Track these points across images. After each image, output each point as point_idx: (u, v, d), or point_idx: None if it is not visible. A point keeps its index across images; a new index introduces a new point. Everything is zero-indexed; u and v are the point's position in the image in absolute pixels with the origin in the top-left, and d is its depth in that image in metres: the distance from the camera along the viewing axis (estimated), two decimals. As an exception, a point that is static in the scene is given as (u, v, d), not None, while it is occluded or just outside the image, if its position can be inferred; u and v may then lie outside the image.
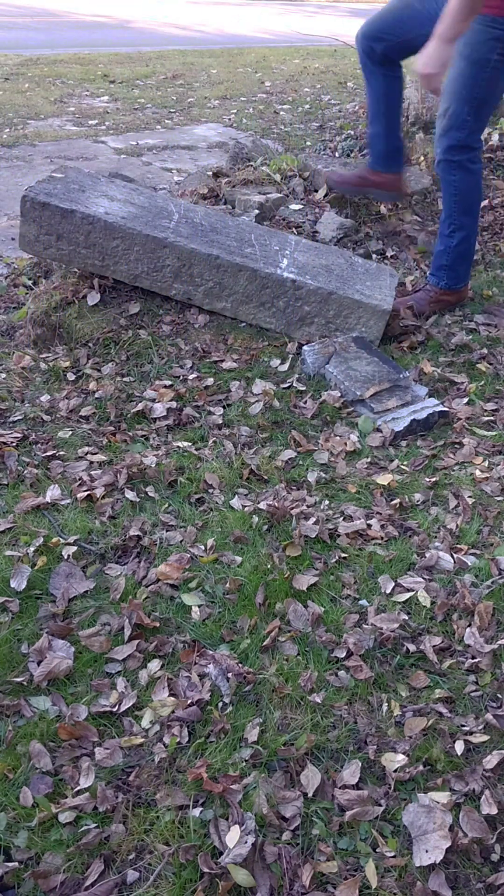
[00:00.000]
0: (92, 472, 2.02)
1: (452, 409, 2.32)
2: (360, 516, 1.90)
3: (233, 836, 1.20)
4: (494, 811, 1.25)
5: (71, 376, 2.45)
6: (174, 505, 1.93)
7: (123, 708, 1.42)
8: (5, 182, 4.46)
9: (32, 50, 8.60)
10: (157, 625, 1.58)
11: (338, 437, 2.20)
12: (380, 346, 2.61)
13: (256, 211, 3.19)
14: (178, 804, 1.26)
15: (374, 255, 3.17)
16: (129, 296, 2.65)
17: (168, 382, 2.39)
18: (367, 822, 1.25)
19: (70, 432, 2.20)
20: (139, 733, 1.38)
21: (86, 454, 2.11)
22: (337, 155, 4.14)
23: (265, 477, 2.04)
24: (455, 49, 2.31)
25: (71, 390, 2.39)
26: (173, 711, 1.41)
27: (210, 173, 3.75)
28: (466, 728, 1.39)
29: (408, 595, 1.66)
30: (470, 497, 1.95)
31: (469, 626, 1.58)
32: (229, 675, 1.46)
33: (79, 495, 1.91)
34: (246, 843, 1.18)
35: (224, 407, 2.33)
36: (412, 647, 1.54)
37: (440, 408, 2.28)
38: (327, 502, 1.96)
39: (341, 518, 1.90)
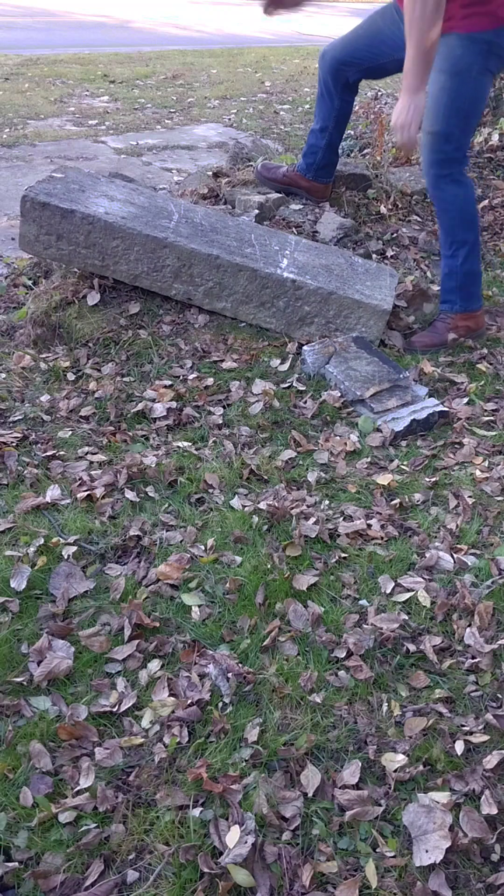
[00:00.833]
0: (92, 472, 2.02)
1: (452, 409, 2.32)
2: (360, 516, 1.90)
3: (233, 836, 1.20)
4: (494, 811, 1.25)
5: (71, 376, 2.45)
6: (174, 505, 1.93)
7: (123, 708, 1.42)
8: (5, 182, 4.46)
9: (32, 50, 8.60)
10: (157, 625, 1.58)
11: (338, 437, 2.20)
12: (379, 346, 2.61)
13: (256, 211, 3.19)
14: (178, 804, 1.26)
15: (374, 255, 3.17)
16: (129, 296, 2.65)
17: (168, 382, 2.39)
18: (367, 822, 1.25)
19: (70, 432, 2.20)
20: (139, 733, 1.38)
21: (86, 454, 2.11)
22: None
23: (265, 477, 2.04)
24: (433, 67, 2.30)
25: (71, 390, 2.39)
26: (173, 711, 1.41)
27: (210, 173, 3.75)
28: (466, 728, 1.39)
29: (408, 595, 1.66)
30: (470, 497, 1.95)
31: (469, 626, 1.58)
32: (229, 675, 1.46)
33: (79, 495, 1.91)
34: (246, 843, 1.18)
35: (224, 407, 2.33)
36: (412, 647, 1.54)
37: (440, 408, 2.28)
38: (327, 502, 1.96)
39: (341, 518, 1.90)
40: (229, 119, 6.28)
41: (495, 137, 4.04)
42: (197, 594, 1.66)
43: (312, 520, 1.85)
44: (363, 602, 1.66)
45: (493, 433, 2.24)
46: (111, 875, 1.19)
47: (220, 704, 1.43)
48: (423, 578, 1.71)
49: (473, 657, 1.52)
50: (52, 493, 1.93)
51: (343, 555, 1.77)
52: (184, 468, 2.04)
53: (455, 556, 1.77)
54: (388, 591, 1.67)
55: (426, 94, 2.35)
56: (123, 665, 1.51)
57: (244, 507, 1.91)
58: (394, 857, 1.21)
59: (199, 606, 1.63)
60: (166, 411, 2.28)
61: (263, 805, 1.25)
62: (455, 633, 1.58)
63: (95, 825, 1.24)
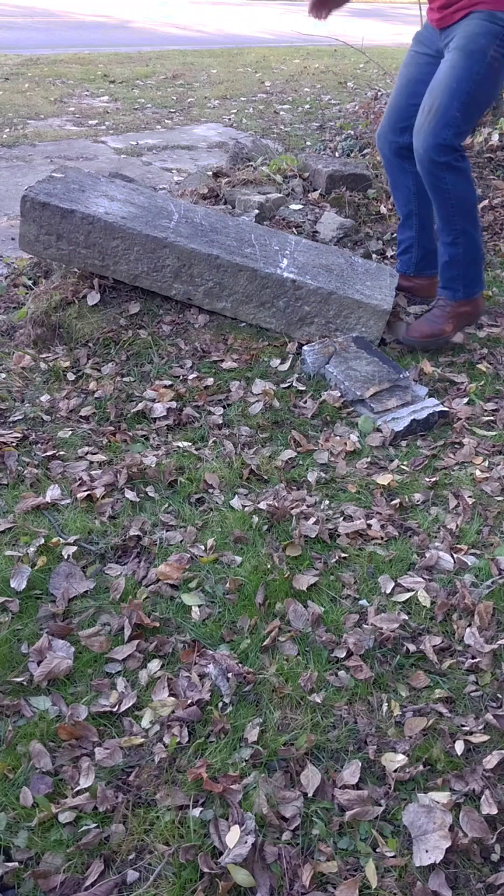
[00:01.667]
0: (92, 472, 2.02)
1: (452, 409, 2.32)
2: (360, 516, 1.90)
3: (233, 836, 1.20)
4: (494, 811, 1.25)
5: (71, 376, 2.45)
6: (174, 505, 1.93)
7: (123, 708, 1.42)
8: (5, 182, 4.46)
9: (32, 50, 8.60)
10: (157, 625, 1.58)
11: (338, 437, 2.20)
12: (379, 345, 2.61)
13: (256, 211, 3.19)
14: (178, 804, 1.26)
15: (374, 255, 3.17)
16: (129, 296, 2.65)
17: (168, 382, 2.39)
18: (367, 822, 1.25)
19: (70, 432, 2.20)
20: (139, 733, 1.38)
21: (86, 454, 2.11)
22: (337, 155, 4.14)
23: (265, 477, 2.04)
24: (450, 43, 2.23)
25: (71, 390, 2.39)
26: (173, 711, 1.41)
27: (210, 173, 3.75)
28: (466, 728, 1.39)
29: (408, 595, 1.66)
30: (470, 497, 1.95)
31: (469, 626, 1.58)
32: (229, 675, 1.46)
33: (79, 495, 1.91)
34: (246, 843, 1.18)
35: (224, 407, 2.33)
36: (412, 647, 1.54)
37: (440, 408, 2.28)
38: (327, 502, 1.96)
39: (341, 518, 1.90)
40: (229, 119, 6.28)
41: (495, 137, 4.04)
42: (197, 594, 1.66)
43: (312, 520, 1.85)
44: (363, 602, 1.66)
45: (493, 433, 2.24)
46: (111, 875, 1.19)
47: (220, 704, 1.43)
48: (423, 578, 1.71)
49: (473, 657, 1.52)
50: (52, 493, 1.93)
51: (343, 555, 1.77)
52: (184, 468, 2.04)
53: (455, 556, 1.77)
54: (388, 591, 1.67)
55: None
56: (123, 665, 1.51)
57: (244, 507, 1.91)
58: (394, 857, 1.21)
59: (199, 606, 1.63)
60: (166, 411, 2.28)
61: (263, 805, 1.25)
62: (455, 633, 1.58)
63: (95, 825, 1.24)
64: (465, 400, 2.38)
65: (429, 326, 2.56)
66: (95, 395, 2.35)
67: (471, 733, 1.38)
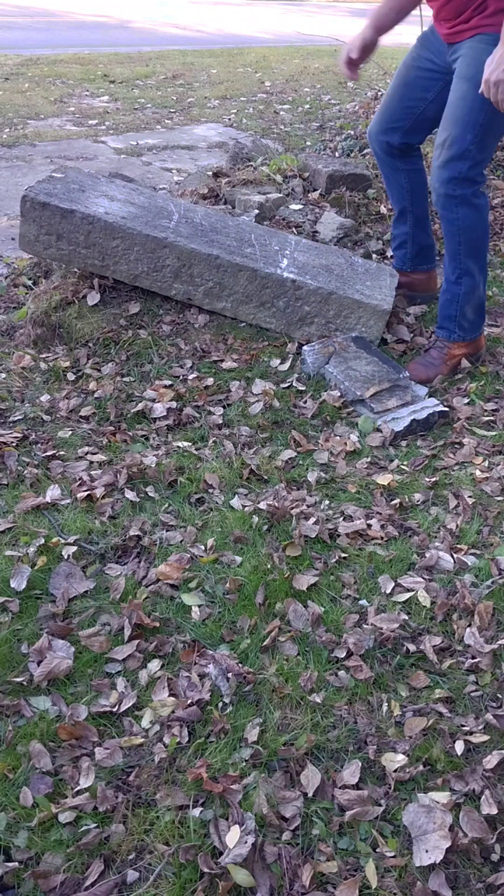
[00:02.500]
0: (92, 472, 2.02)
1: (452, 409, 2.32)
2: (360, 516, 1.90)
3: (233, 836, 1.20)
4: (494, 811, 1.25)
5: (71, 376, 2.45)
6: (174, 505, 1.93)
7: (123, 708, 1.42)
8: (5, 182, 4.46)
9: (32, 50, 8.60)
10: (157, 625, 1.58)
11: (338, 437, 2.20)
12: (379, 345, 2.61)
13: (256, 211, 3.19)
14: (178, 804, 1.26)
15: (374, 255, 3.17)
16: (129, 296, 2.65)
17: (168, 382, 2.39)
18: (367, 822, 1.25)
19: (70, 432, 2.20)
20: (139, 733, 1.38)
21: (86, 454, 2.11)
22: (337, 155, 4.14)
23: (265, 477, 2.04)
24: (457, 72, 2.16)
25: (71, 390, 2.39)
26: (173, 711, 1.41)
27: (210, 173, 3.75)
28: (466, 728, 1.39)
29: (408, 595, 1.66)
30: (470, 497, 1.95)
31: (469, 626, 1.58)
32: (229, 675, 1.46)
33: (79, 495, 1.91)
34: (246, 843, 1.18)
35: (224, 407, 2.33)
36: (412, 647, 1.54)
37: (440, 408, 2.28)
38: (327, 502, 1.96)
39: (341, 518, 1.90)
40: (229, 119, 6.28)
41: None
42: (197, 594, 1.66)
43: (312, 520, 1.85)
44: (363, 602, 1.66)
45: (493, 433, 2.24)
46: (111, 875, 1.19)
47: (220, 704, 1.43)
48: (423, 578, 1.71)
49: (473, 657, 1.52)
50: (52, 493, 1.93)
51: (343, 555, 1.77)
52: (184, 468, 2.04)
53: (455, 556, 1.77)
54: (388, 591, 1.67)
55: None
56: (123, 665, 1.51)
57: (244, 507, 1.91)
58: (394, 857, 1.21)
59: (199, 606, 1.63)
60: (166, 411, 2.28)
61: (263, 805, 1.25)
62: (455, 633, 1.58)
63: (95, 825, 1.24)
64: (466, 400, 2.38)
65: (425, 371, 2.48)
66: (95, 395, 2.35)
67: (471, 733, 1.38)
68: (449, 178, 2.20)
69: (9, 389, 2.38)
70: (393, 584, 1.69)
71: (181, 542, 1.80)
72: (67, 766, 1.33)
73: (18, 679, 1.46)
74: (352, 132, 4.39)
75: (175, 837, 1.22)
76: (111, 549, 1.78)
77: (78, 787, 1.29)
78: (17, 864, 1.19)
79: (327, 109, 6.14)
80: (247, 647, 1.54)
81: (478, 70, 2.03)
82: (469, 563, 1.75)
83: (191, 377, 2.41)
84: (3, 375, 2.45)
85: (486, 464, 2.11)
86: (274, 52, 9.49)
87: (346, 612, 1.63)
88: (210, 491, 1.97)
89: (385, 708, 1.43)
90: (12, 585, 1.64)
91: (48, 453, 2.09)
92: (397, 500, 1.96)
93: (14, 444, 2.11)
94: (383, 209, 3.45)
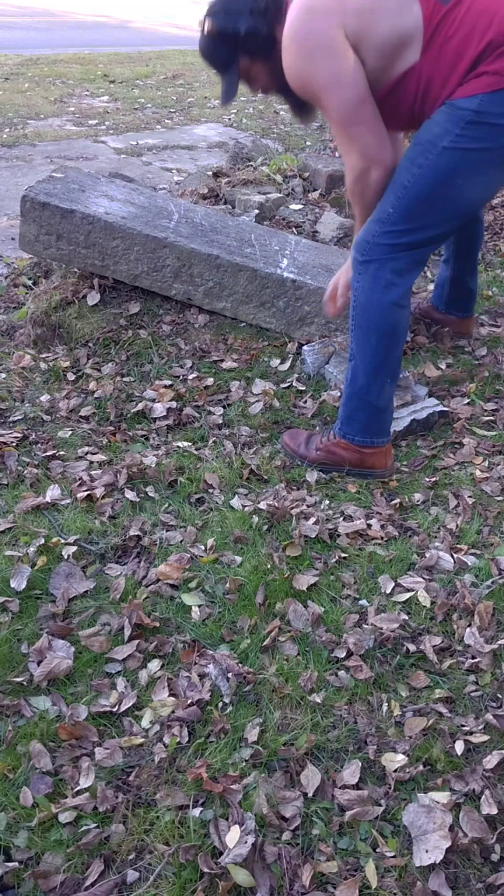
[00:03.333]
0: (92, 472, 2.02)
1: (452, 409, 2.32)
2: (360, 516, 1.90)
3: (233, 836, 1.20)
4: (494, 811, 1.25)
5: (71, 376, 2.45)
6: (174, 505, 1.93)
7: (123, 708, 1.42)
8: (5, 182, 4.46)
9: (32, 50, 8.60)
10: (157, 625, 1.58)
11: (338, 437, 2.20)
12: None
13: (256, 211, 3.19)
14: (178, 804, 1.26)
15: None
16: (129, 296, 2.65)
17: (168, 382, 2.39)
18: (367, 822, 1.25)
19: (70, 432, 2.20)
20: (139, 733, 1.38)
21: (86, 454, 2.11)
22: (337, 154, 4.14)
23: (265, 477, 2.04)
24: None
25: (71, 390, 2.39)
26: (173, 711, 1.41)
27: (210, 173, 3.76)
28: (466, 728, 1.39)
29: (408, 595, 1.66)
30: (470, 497, 1.95)
31: (469, 626, 1.58)
32: (229, 675, 1.46)
33: (79, 495, 1.91)
34: (246, 843, 1.18)
35: (224, 407, 2.33)
36: (412, 647, 1.54)
37: (440, 408, 2.28)
38: (327, 502, 1.96)
39: (341, 518, 1.90)
40: (229, 119, 6.28)
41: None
42: (197, 594, 1.66)
43: (312, 520, 1.85)
44: (363, 602, 1.66)
45: (493, 433, 2.24)
46: (111, 875, 1.19)
47: (220, 704, 1.43)
48: (423, 578, 1.71)
49: (473, 657, 1.52)
50: (52, 493, 1.93)
51: (343, 555, 1.77)
52: (184, 468, 2.04)
53: (455, 556, 1.77)
54: (388, 591, 1.67)
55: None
56: (123, 665, 1.51)
57: (244, 507, 1.90)
58: (394, 857, 1.21)
59: (199, 606, 1.63)
60: (166, 411, 2.28)
61: (263, 805, 1.25)
62: (455, 633, 1.58)
63: (95, 825, 1.24)
64: (466, 400, 2.38)
65: (293, 440, 2.12)
66: (95, 395, 2.35)
67: (471, 733, 1.38)
68: (360, 239, 1.85)
69: (9, 389, 2.38)
70: (393, 584, 1.69)
71: (181, 542, 1.80)
72: (67, 766, 1.33)
73: (18, 679, 1.46)
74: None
75: (175, 837, 1.22)
76: (111, 549, 1.78)
77: (78, 787, 1.29)
78: (17, 864, 1.19)
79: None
80: (247, 647, 1.54)
81: (423, 130, 1.76)
82: (469, 563, 1.75)
83: (191, 377, 2.41)
84: (3, 375, 2.45)
85: (486, 464, 2.11)
86: (274, 52, 9.47)
87: (346, 612, 1.63)
88: (210, 491, 1.97)
89: (385, 708, 1.43)
90: (12, 585, 1.64)
91: (48, 453, 2.09)
92: (397, 500, 1.96)
93: (14, 444, 2.11)
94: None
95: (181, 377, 2.42)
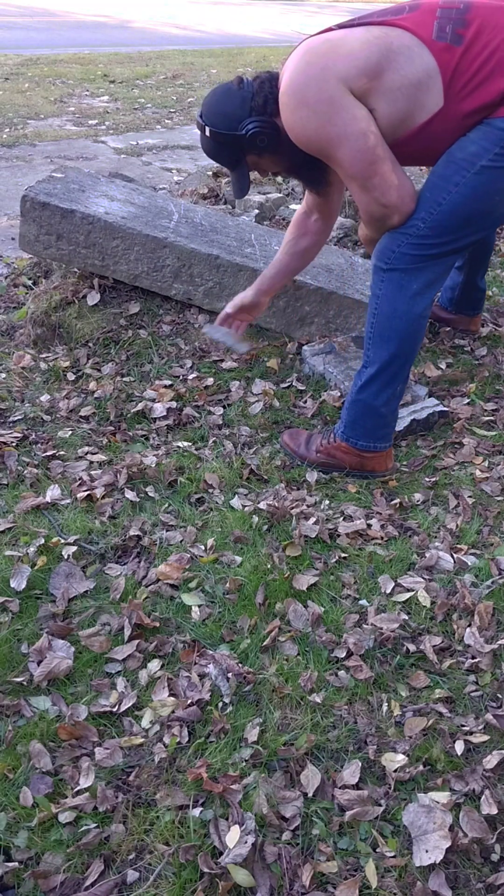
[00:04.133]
0: (92, 472, 2.02)
1: (452, 409, 2.32)
2: (360, 516, 1.90)
3: (233, 836, 1.20)
4: (494, 811, 1.25)
5: (71, 376, 2.45)
6: (174, 505, 1.93)
7: (123, 708, 1.42)
8: (5, 182, 4.46)
9: (32, 50, 8.61)
10: (157, 625, 1.58)
11: (338, 437, 2.20)
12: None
13: (256, 211, 3.19)
14: (178, 804, 1.26)
15: (374, 255, 3.17)
16: (129, 296, 2.65)
17: (168, 382, 2.39)
18: (367, 822, 1.25)
19: (70, 432, 2.20)
20: (139, 733, 1.38)
21: (86, 454, 2.11)
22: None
23: (265, 477, 2.04)
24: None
25: (71, 390, 2.39)
26: (173, 711, 1.41)
27: (210, 173, 3.76)
28: (466, 728, 1.39)
29: (408, 595, 1.66)
30: (470, 497, 1.95)
31: (469, 626, 1.58)
32: (229, 675, 1.46)
33: (79, 495, 1.91)
34: (246, 843, 1.18)
35: (224, 407, 2.33)
36: (412, 647, 1.54)
37: (440, 408, 2.28)
38: (327, 502, 1.96)
39: (341, 518, 1.90)
40: (229, 119, 6.26)
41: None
42: (197, 594, 1.66)
43: (312, 520, 1.85)
44: (363, 602, 1.66)
45: (493, 433, 2.24)
46: (111, 875, 1.19)
47: (220, 704, 1.43)
48: (423, 578, 1.71)
49: (473, 657, 1.52)
50: (52, 493, 1.93)
51: (343, 555, 1.77)
52: (184, 468, 2.04)
53: (455, 556, 1.77)
54: (388, 591, 1.67)
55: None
56: (123, 665, 1.51)
57: (244, 507, 1.90)
58: (394, 857, 1.21)
59: (199, 606, 1.63)
60: (166, 411, 2.28)
61: (263, 805, 1.25)
62: (455, 633, 1.58)
63: (95, 825, 1.24)
64: (466, 400, 2.38)
65: (295, 440, 2.12)
66: (95, 395, 2.35)
67: (471, 733, 1.38)
68: (383, 248, 1.82)
69: (9, 389, 2.38)
70: (393, 584, 1.69)
71: (181, 542, 1.80)
72: (67, 766, 1.33)
73: (18, 679, 1.46)
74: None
75: (175, 837, 1.22)
76: (111, 549, 1.78)
77: (78, 787, 1.29)
78: (17, 864, 1.19)
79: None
80: (247, 647, 1.54)
81: (457, 147, 1.72)
82: (469, 563, 1.75)
83: (191, 377, 2.41)
84: (3, 375, 2.45)
85: (486, 464, 2.11)
86: (274, 52, 9.49)
87: (346, 612, 1.63)
88: (210, 491, 1.97)
89: (385, 708, 1.43)
90: (12, 585, 1.64)
91: (48, 453, 2.09)
92: (397, 500, 1.96)
93: (14, 444, 2.11)
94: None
95: (181, 377, 2.42)
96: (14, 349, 2.61)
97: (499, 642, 1.54)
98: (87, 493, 1.91)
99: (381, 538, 1.83)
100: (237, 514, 1.87)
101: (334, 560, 1.75)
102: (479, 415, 2.32)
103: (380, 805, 1.27)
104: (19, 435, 2.15)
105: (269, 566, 1.71)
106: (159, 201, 2.84)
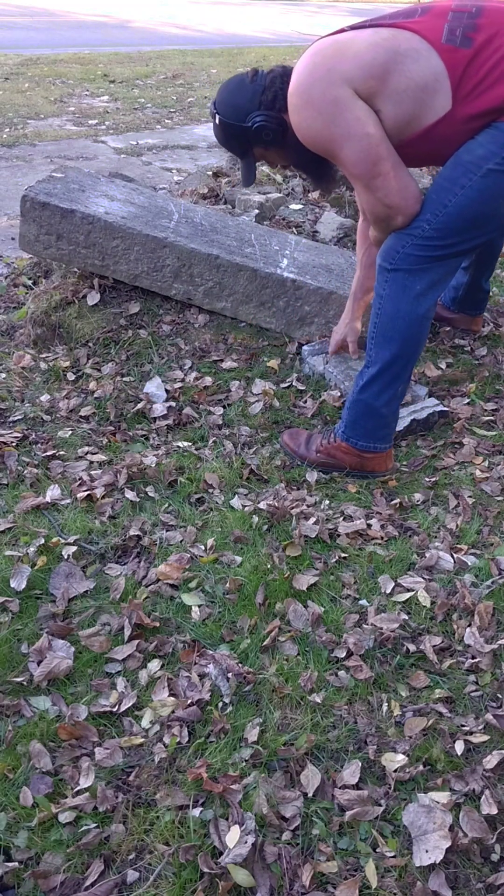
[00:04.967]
0: (92, 472, 2.02)
1: (452, 409, 2.32)
2: (360, 516, 1.90)
3: (233, 836, 1.20)
4: (494, 811, 1.25)
5: (71, 376, 2.45)
6: (174, 505, 1.93)
7: (123, 708, 1.42)
8: (5, 182, 4.46)
9: (32, 50, 8.61)
10: (157, 625, 1.58)
11: (338, 437, 2.20)
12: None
13: (256, 211, 3.19)
14: (178, 804, 1.26)
15: (374, 255, 3.17)
16: (129, 296, 2.65)
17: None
18: (367, 822, 1.25)
19: (70, 432, 2.20)
20: (139, 733, 1.38)
21: (86, 454, 2.11)
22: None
23: (265, 477, 2.04)
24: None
25: (71, 390, 2.39)
26: (173, 711, 1.41)
27: (210, 173, 3.75)
28: (466, 728, 1.39)
29: (408, 595, 1.66)
30: (470, 497, 1.95)
31: (469, 626, 1.58)
32: (229, 675, 1.46)
33: (79, 495, 1.91)
34: (246, 843, 1.18)
35: (224, 407, 2.33)
36: (412, 647, 1.54)
37: (440, 408, 2.28)
38: (327, 502, 1.96)
39: (341, 518, 1.90)
40: (229, 119, 6.26)
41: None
42: (197, 594, 1.66)
43: (312, 520, 1.85)
44: (363, 602, 1.66)
45: (493, 433, 2.24)
46: (111, 875, 1.19)
47: (220, 704, 1.43)
48: (423, 578, 1.71)
49: (473, 657, 1.52)
50: (52, 492, 1.93)
51: (343, 555, 1.77)
52: (184, 468, 2.04)
53: (455, 556, 1.77)
54: (388, 591, 1.67)
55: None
56: (123, 665, 1.51)
57: (244, 507, 1.90)
58: (394, 857, 1.21)
59: (199, 606, 1.63)
60: (166, 411, 2.28)
61: (263, 805, 1.25)
62: (455, 633, 1.58)
63: (95, 825, 1.24)
64: (466, 400, 2.38)
65: (295, 440, 2.12)
66: (95, 395, 2.35)
67: (471, 733, 1.38)
68: (388, 246, 1.83)
69: (9, 389, 2.38)
70: (393, 584, 1.69)
71: (181, 542, 1.80)
72: (67, 766, 1.33)
73: (18, 679, 1.46)
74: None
75: (175, 837, 1.22)
76: (111, 549, 1.78)
77: (78, 787, 1.29)
78: (17, 864, 1.19)
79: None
80: (247, 647, 1.54)
81: (464, 150, 1.72)
82: (469, 563, 1.75)
83: (191, 377, 2.41)
84: (3, 375, 2.45)
85: (486, 464, 2.11)
86: (274, 51, 9.49)
87: (346, 612, 1.63)
88: (210, 491, 1.97)
89: (385, 708, 1.43)
90: (12, 585, 1.64)
91: (48, 453, 2.09)
92: (397, 500, 1.96)
93: (14, 444, 2.11)
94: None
95: (181, 377, 2.42)
96: (14, 349, 2.61)
97: (499, 642, 1.54)
98: (87, 493, 1.91)
99: (381, 538, 1.83)
100: (237, 514, 1.87)
101: (334, 560, 1.75)
102: (479, 415, 2.32)
103: (380, 805, 1.27)
104: (19, 435, 2.15)
105: (269, 566, 1.71)
106: (159, 201, 2.84)
